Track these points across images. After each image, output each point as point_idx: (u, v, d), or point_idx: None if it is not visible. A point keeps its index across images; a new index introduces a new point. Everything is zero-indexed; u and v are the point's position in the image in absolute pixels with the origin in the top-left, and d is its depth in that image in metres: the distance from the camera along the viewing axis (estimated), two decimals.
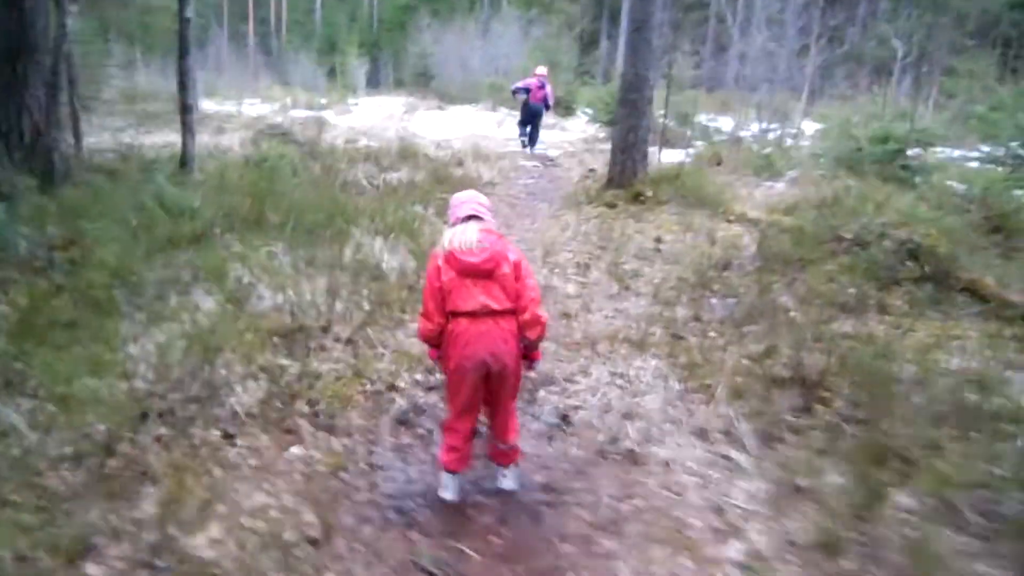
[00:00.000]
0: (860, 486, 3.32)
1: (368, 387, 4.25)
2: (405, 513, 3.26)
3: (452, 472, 3.35)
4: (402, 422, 3.99)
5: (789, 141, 16.92)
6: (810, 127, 19.04)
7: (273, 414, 3.88)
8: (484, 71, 27.72)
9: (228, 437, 3.66)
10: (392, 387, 4.29)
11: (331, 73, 30.01)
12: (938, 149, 12.50)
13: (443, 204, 9.17)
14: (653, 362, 4.71)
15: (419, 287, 5.82)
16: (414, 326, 5.12)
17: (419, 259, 6.50)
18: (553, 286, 6.18)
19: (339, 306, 5.16)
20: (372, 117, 19.37)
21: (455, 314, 3.10)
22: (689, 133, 15.96)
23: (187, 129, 9.62)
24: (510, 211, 9.56)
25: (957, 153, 14.38)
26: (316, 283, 5.51)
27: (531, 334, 3.18)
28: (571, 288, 6.17)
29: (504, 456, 3.42)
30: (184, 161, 9.54)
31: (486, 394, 3.26)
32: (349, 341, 4.71)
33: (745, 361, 4.63)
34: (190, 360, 4.09)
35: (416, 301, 5.55)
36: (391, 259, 6.44)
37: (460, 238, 3.11)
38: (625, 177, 9.13)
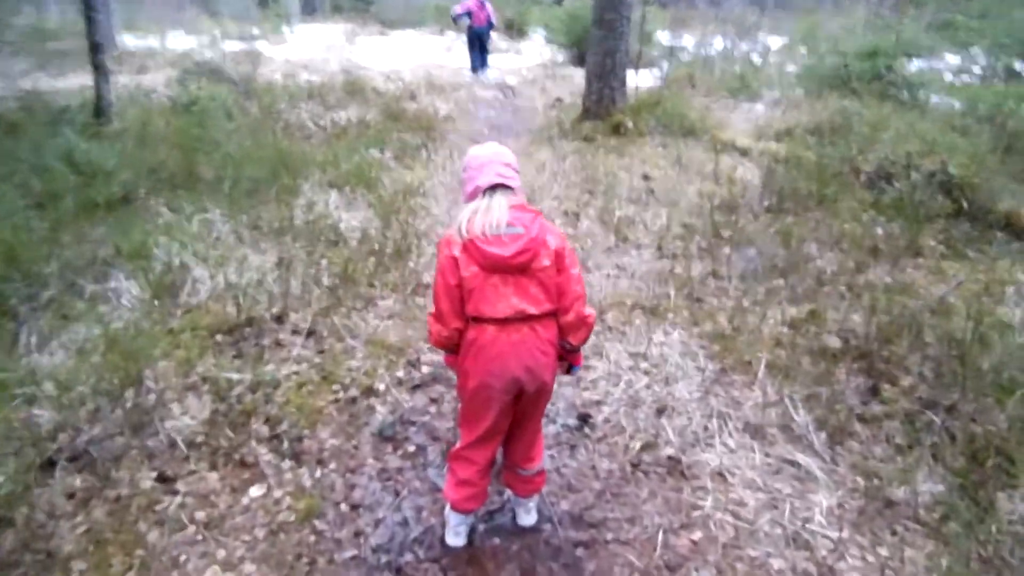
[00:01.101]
0: (966, 496, 2.68)
1: (340, 394, 3.43)
2: (403, 573, 2.52)
3: (463, 512, 2.61)
4: (386, 438, 3.20)
5: (757, 59, 16.06)
6: (775, 43, 18.13)
7: (222, 441, 3.06)
8: None
9: (165, 481, 2.84)
10: (369, 391, 3.48)
11: (263, 1, 27.78)
12: (910, 62, 11.81)
13: (401, 146, 8.22)
14: (675, 334, 3.99)
15: (387, 251, 4.99)
16: (385, 304, 4.34)
17: (382, 216, 5.63)
18: None
19: (294, 284, 4.29)
20: (311, 47, 17.82)
21: (479, 320, 2.32)
22: (655, 54, 14.98)
23: (100, 71, 8.39)
24: None
25: (926, 66, 13.73)
26: (264, 256, 4.62)
27: (574, 339, 2.42)
28: None
29: (527, 484, 2.68)
30: (99, 109, 8.32)
31: (513, 415, 2.50)
32: (310, 333, 3.86)
33: (784, 328, 3.94)
34: (110, 376, 3.22)
35: (385, 271, 4.71)
36: (350, 217, 5.54)
37: (483, 220, 2.26)
38: (603, 107, 8.23)
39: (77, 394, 3.11)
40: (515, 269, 2.25)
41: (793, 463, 2.98)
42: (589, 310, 2.43)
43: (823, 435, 3.09)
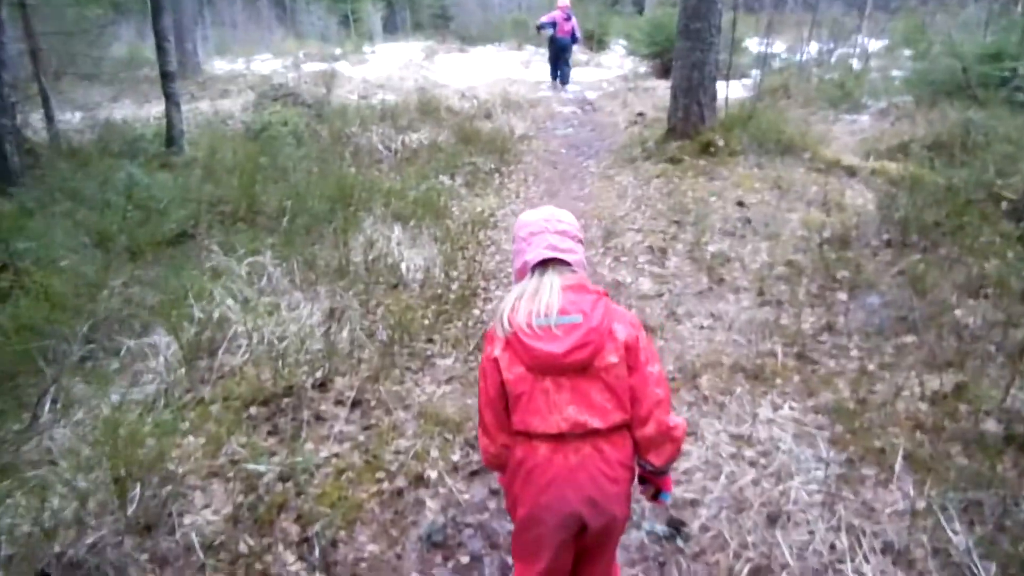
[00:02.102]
0: None
1: (384, 484, 2.93)
2: None
3: None
4: (436, 544, 2.68)
5: (856, 64, 14.89)
6: (874, 46, 16.82)
7: (244, 545, 2.61)
8: (505, 8, 25.98)
9: None
10: (419, 479, 2.96)
11: (344, 21, 28.23)
12: None
13: (473, 170, 7.76)
14: (786, 407, 3.32)
15: (451, 297, 4.50)
16: (444, 364, 3.83)
17: (446, 253, 5.16)
18: (622, 282, 4.78)
19: (343, 339, 3.84)
20: (389, 66, 17.72)
21: (528, 435, 1.78)
22: (745, 62, 14.10)
23: (171, 100, 8.34)
24: (552, 172, 8.10)
25: None
26: (314, 304, 4.19)
27: (656, 458, 1.84)
28: (646, 284, 4.76)
29: None
30: (170, 138, 8.25)
31: (576, 549, 1.94)
32: (356, 403, 3.38)
33: (922, 405, 3.21)
34: (127, 461, 2.81)
35: (447, 321, 4.22)
36: (413, 255, 5.08)
37: (529, 308, 1.74)
38: (690, 124, 7.53)
39: (90, 482, 2.73)
40: (571, 369, 1.70)
41: None
42: (676, 419, 1.84)
43: (993, 568, 2.37)
